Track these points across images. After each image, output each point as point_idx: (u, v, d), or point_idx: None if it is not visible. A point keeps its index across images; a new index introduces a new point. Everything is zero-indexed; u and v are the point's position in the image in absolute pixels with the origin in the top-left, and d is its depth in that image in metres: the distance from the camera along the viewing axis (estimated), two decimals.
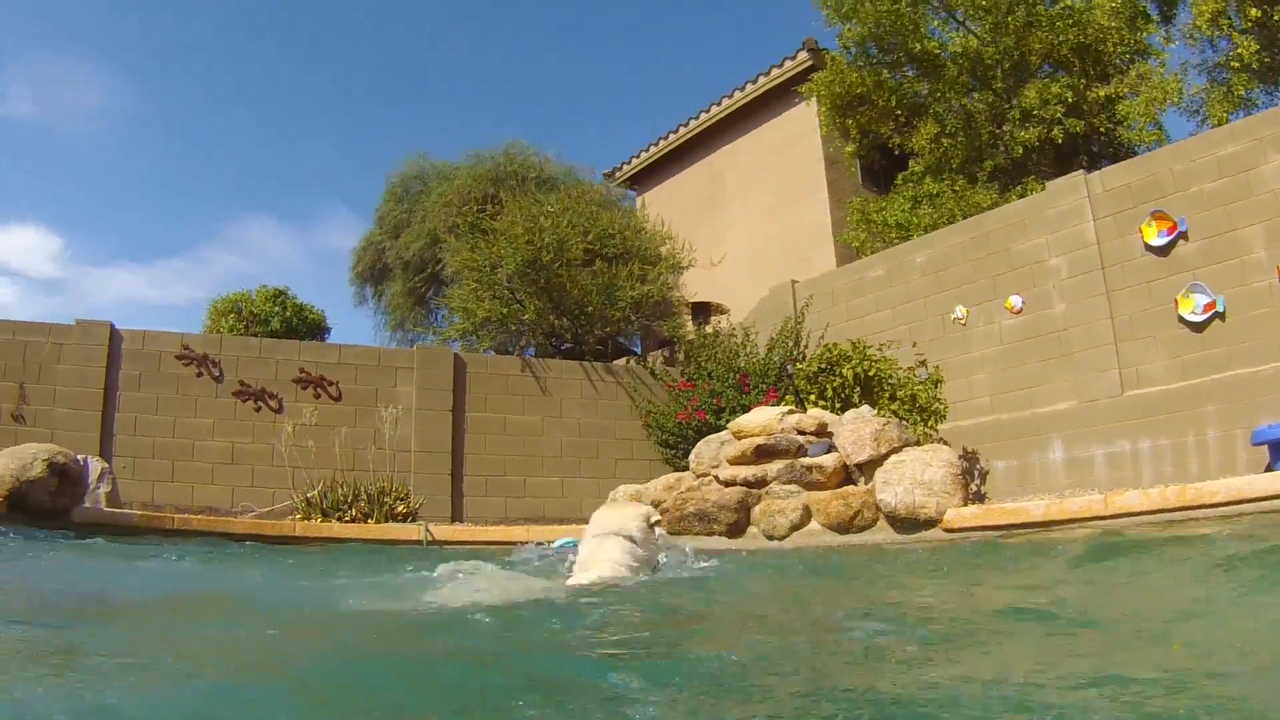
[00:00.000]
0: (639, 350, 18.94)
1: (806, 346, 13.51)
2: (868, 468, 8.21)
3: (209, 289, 64.00)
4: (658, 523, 6.11)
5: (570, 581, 5.56)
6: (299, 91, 49.58)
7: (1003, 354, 12.24)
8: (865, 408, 9.24)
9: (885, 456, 8.17)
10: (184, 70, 46.86)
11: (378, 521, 11.59)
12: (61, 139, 49.01)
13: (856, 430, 8.39)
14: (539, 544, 9.18)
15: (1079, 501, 7.46)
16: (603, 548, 5.73)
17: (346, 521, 11.53)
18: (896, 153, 17.05)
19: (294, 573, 7.62)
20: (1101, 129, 14.97)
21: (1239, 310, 10.06)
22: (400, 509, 12.01)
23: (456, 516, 13.36)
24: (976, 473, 12.05)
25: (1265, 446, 8.66)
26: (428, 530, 10.76)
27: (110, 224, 55.68)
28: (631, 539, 5.76)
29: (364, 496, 11.95)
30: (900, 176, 16.68)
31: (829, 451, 8.35)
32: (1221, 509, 6.43)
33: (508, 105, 48.97)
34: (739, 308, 16.79)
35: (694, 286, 18.83)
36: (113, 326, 12.93)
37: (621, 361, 16.22)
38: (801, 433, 8.64)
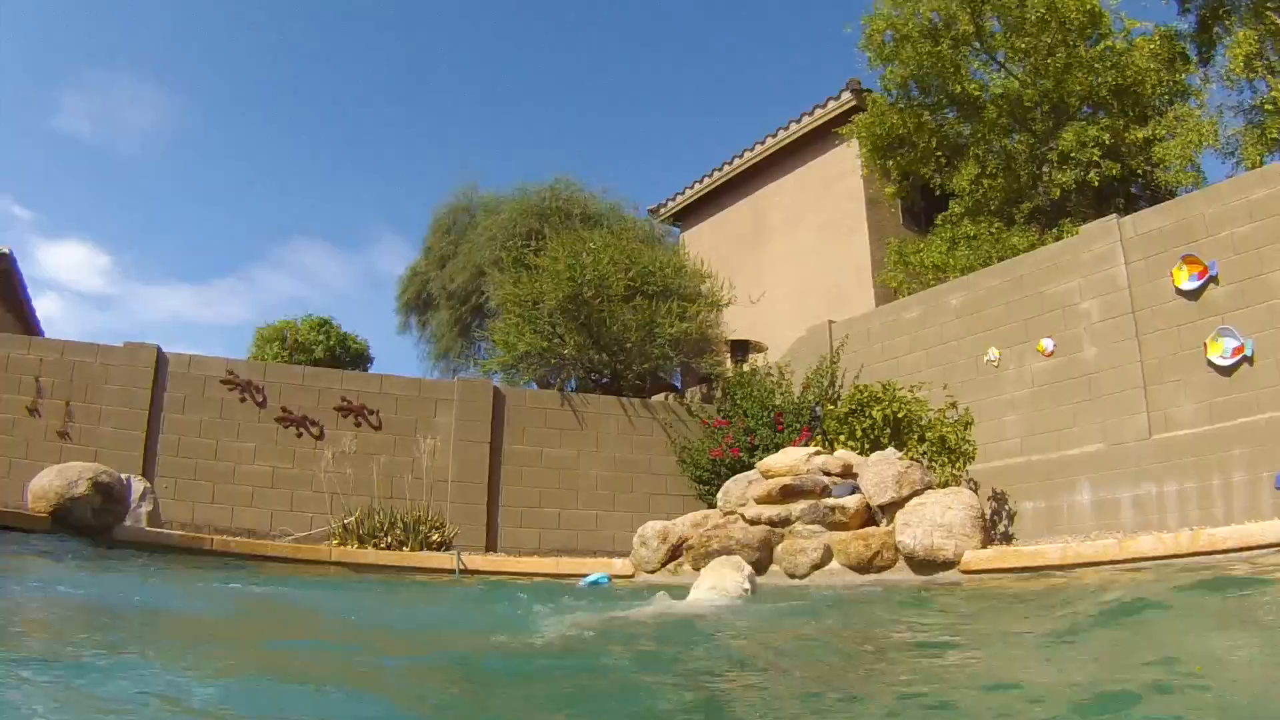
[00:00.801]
0: (679, 386, 19.09)
1: (841, 386, 13.58)
2: (889, 509, 8.32)
3: (257, 310, 64.93)
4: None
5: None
6: (354, 117, 50.43)
7: (1033, 396, 12.23)
8: (891, 450, 9.33)
9: (907, 499, 8.29)
10: (239, 92, 47.98)
11: (413, 549, 11.80)
12: (116, 157, 50.20)
13: (880, 472, 8.51)
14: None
15: (1095, 546, 7.56)
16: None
17: (382, 549, 11.74)
18: (937, 193, 17.09)
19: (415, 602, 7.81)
20: (1139, 171, 14.91)
21: (1268, 354, 9.98)
22: (435, 537, 12.22)
23: (491, 546, 13.55)
24: (1005, 513, 12.04)
25: None
26: (460, 559, 10.95)
27: (161, 243, 56.75)
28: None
29: (400, 524, 12.17)
30: (940, 217, 16.72)
31: (853, 493, 8.48)
32: (1233, 554, 6.50)
33: (557, 140, 49.45)
34: (780, 345, 16.89)
35: (735, 324, 18.95)
36: (159, 349, 13.35)
37: (660, 397, 16.38)
38: (827, 474, 8.78)
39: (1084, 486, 11.37)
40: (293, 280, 57.66)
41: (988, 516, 11.99)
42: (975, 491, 12.15)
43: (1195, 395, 10.61)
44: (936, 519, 7.89)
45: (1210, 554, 6.72)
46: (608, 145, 49.59)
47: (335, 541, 12.01)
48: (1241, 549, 6.48)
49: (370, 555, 11.22)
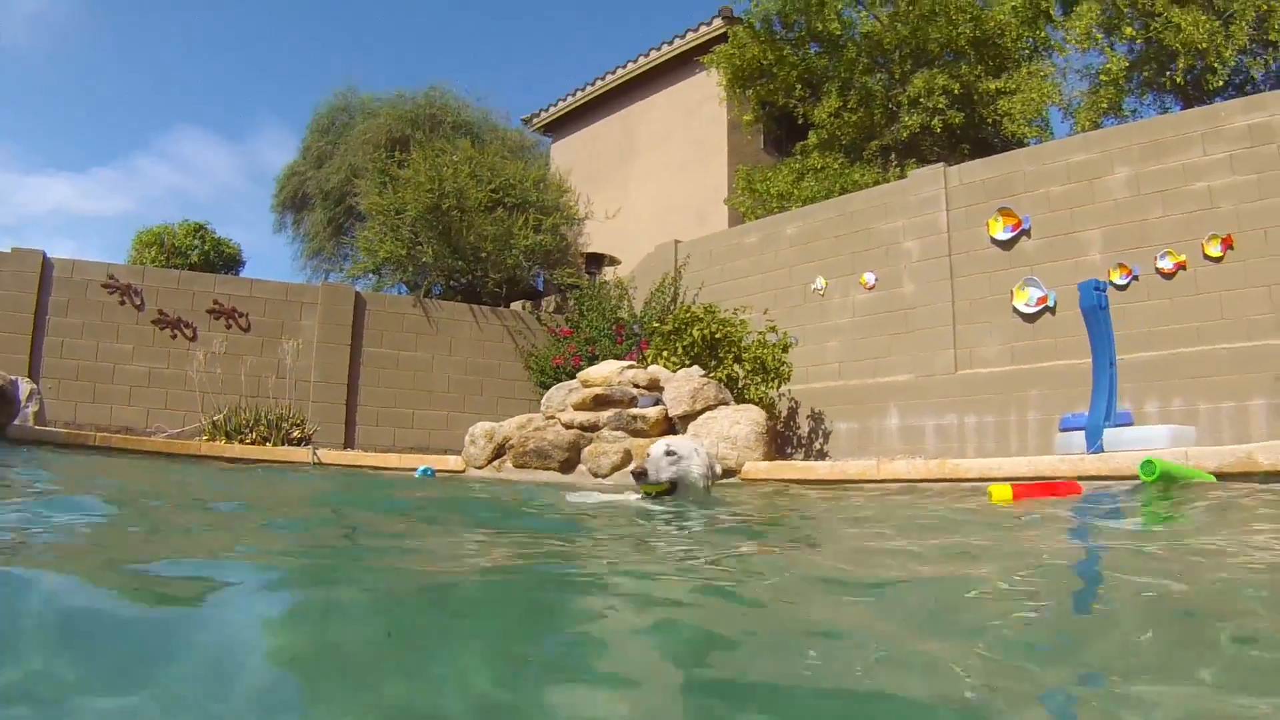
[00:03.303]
0: (542, 294, 19.99)
1: (683, 303, 14.52)
2: (685, 421, 9.46)
3: (138, 203, 63.69)
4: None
5: None
6: (240, 5, 49.45)
7: (854, 325, 13.31)
8: (695, 368, 10.42)
9: (700, 412, 9.43)
10: None
11: (275, 445, 12.69)
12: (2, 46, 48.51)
13: (680, 388, 9.65)
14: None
15: (858, 465, 8.53)
16: None
17: (247, 444, 12.62)
18: (800, 122, 17.88)
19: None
20: (989, 120, 15.77)
21: (1069, 306, 10.87)
22: (296, 434, 13.10)
23: (349, 443, 14.56)
24: (821, 432, 13.24)
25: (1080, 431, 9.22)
26: (315, 454, 11.91)
27: (42, 131, 55.32)
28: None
29: (264, 421, 13.03)
30: (798, 147, 17.61)
31: (656, 405, 9.58)
32: (975, 483, 7.14)
33: (439, 43, 49.43)
34: (639, 260, 17.69)
35: (600, 238, 19.78)
36: (44, 255, 13.93)
37: (518, 305, 17.32)
38: (637, 386, 9.87)
39: (893, 412, 12.58)
40: (175, 173, 56.86)
41: (805, 433, 13.34)
42: (796, 409, 13.49)
43: (1000, 337, 11.80)
44: (724, 431, 9.03)
45: (954, 480, 7.46)
46: (490, 51, 49.75)
47: (206, 437, 12.80)
48: (980, 479, 7.18)
49: (236, 450, 12.02)
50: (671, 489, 5.17)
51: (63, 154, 56.02)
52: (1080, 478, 6.45)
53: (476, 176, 16.83)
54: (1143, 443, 7.65)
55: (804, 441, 13.43)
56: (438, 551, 3.32)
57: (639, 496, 5.25)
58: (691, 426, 9.27)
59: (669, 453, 5.18)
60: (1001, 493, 4.75)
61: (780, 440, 13.45)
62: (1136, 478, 5.55)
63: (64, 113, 53.36)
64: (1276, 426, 9.31)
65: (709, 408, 9.51)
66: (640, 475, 5.01)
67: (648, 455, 5.26)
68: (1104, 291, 8.47)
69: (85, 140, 54.19)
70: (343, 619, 1.89)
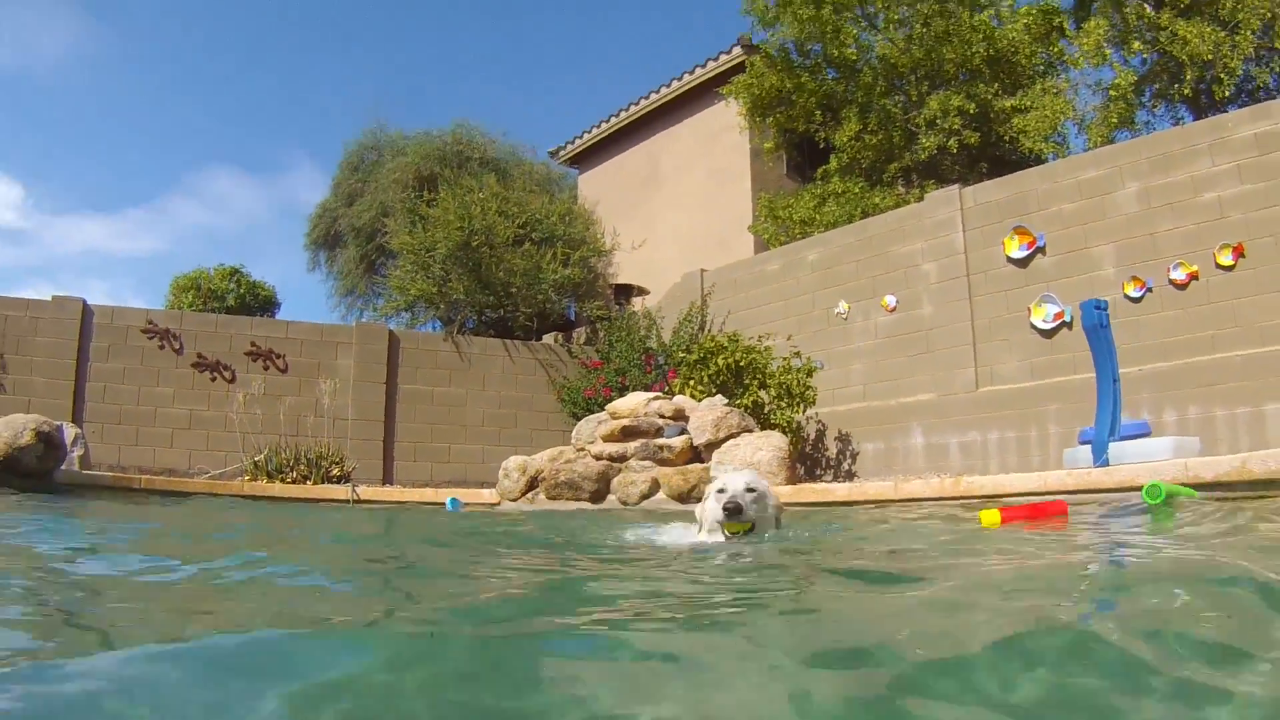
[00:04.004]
0: (575, 326, 20.27)
1: (710, 331, 14.80)
2: (709, 449, 9.73)
3: (171, 242, 64.55)
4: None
5: None
6: (270, 44, 50.33)
7: (877, 347, 13.52)
8: (719, 397, 10.70)
9: (724, 440, 9.68)
10: (151, 16, 47.38)
11: (315, 483, 13.03)
12: (26, 85, 49.54)
13: (703, 416, 9.92)
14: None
15: (876, 486, 8.75)
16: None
17: (288, 483, 12.96)
18: (822, 146, 18.08)
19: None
20: (1007, 138, 15.82)
21: None
22: (335, 472, 13.44)
23: (387, 479, 14.91)
24: (849, 453, 13.45)
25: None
26: (354, 491, 12.24)
27: (73, 172, 56.29)
28: None
29: (304, 460, 13.39)
30: (820, 172, 17.75)
31: (681, 434, 9.86)
32: (988, 500, 7.26)
33: (468, 79, 50.01)
34: (667, 289, 17.90)
35: (628, 268, 20.05)
36: (85, 302, 14.40)
37: (550, 338, 17.65)
38: (662, 416, 10.15)
39: (917, 431, 12.76)
40: (207, 211, 57.68)
41: (834, 455, 13.53)
42: (824, 431, 13.68)
43: (1019, 354, 11.97)
44: (747, 458, 9.27)
45: (969, 498, 7.59)
46: (518, 83, 50.25)
47: (248, 477, 13.15)
48: (995, 495, 7.38)
49: (277, 489, 12.37)
50: (751, 527, 4.79)
51: (94, 195, 56.85)
52: (1088, 491, 6.63)
53: (503, 212, 17.20)
54: (1146, 455, 7.77)
55: (833, 463, 13.63)
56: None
57: (725, 537, 4.73)
58: (716, 454, 9.53)
59: (750, 489, 4.78)
60: (990, 517, 4.87)
61: (809, 462, 13.69)
62: (1141, 489, 5.68)
63: (95, 152, 54.29)
64: None
65: (732, 435, 9.77)
66: (735, 512, 4.57)
67: (721, 490, 4.78)
68: (1105, 310, 8.64)
69: (117, 181, 55.06)
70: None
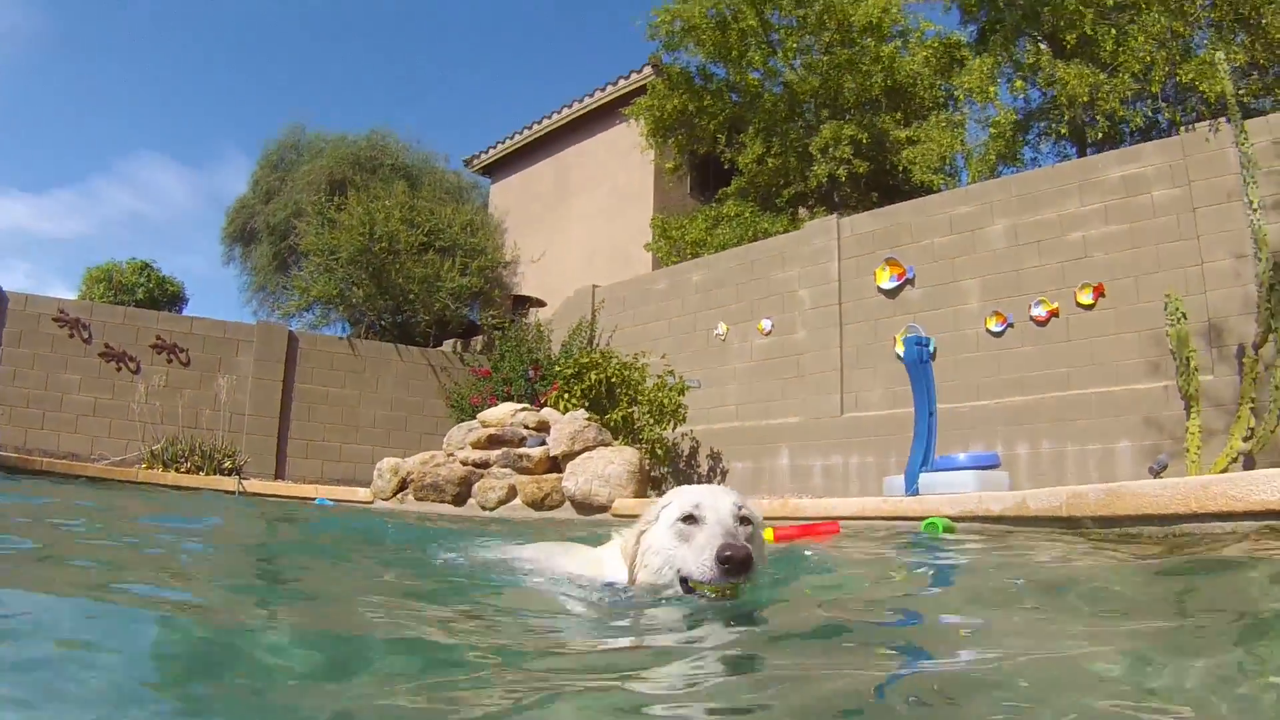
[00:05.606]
0: (479, 334, 20.84)
1: (597, 346, 15.29)
2: (565, 460, 10.44)
3: (96, 225, 63.98)
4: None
5: None
6: (203, 35, 50.27)
7: (751, 370, 14.02)
8: (581, 411, 11.36)
9: (579, 452, 10.39)
10: None
11: (208, 474, 13.61)
12: None
13: (562, 429, 10.65)
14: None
15: None
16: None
17: (182, 473, 13.52)
18: (726, 167, 18.48)
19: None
20: (900, 168, 16.05)
21: (949, 353, 11.63)
22: (227, 464, 14.04)
23: (280, 475, 15.50)
24: (719, 470, 13.96)
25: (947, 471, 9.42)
26: (240, 483, 12.81)
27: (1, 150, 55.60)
28: None
29: (199, 452, 13.97)
30: (721, 192, 18.29)
31: (541, 445, 10.59)
32: (811, 520, 7.33)
33: (386, 84, 50.51)
34: (561, 303, 18.39)
35: (532, 279, 20.68)
36: (0, 288, 14.86)
37: (448, 345, 18.32)
38: (527, 427, 10.87)
39: (785, 452, 13.22)
40: (134, 197, 57.33)
41: (705, 472, 14.10)
42: (697, 449, 14.27)
43: (883, 383, 12.44)
44: (599, 470, 9.95)
45: (797, 519, 7.69)
46: (437, 90, 50.67)
47: (145, 466, 13.67)
48: (815, 517, 7.52)
49: (170, 477, 12.89)
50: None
51: (21, 174, 56.22)
52: (897, 518, 7.29)
53: (409, 220, 17.87)
54: (952, 486, 8.53)
55: (704, 479, 14.00)
56: None
57: (705, 597, 2.77)
58: (570, 465, 10.23)
59: (745, 519, 2.98)
60: (768, 535, 5.30)
61: (682, 479, 14.05)
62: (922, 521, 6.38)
63: (24, 132, 53.74)
64: (1140, 468, 9.83)
65: (588, 448, 10.48)
66: (742, 568, 2.65)
67: (690, 517, 2.93)
68: (926, 346, 9.44)
69: (45, 161, 54.51)
70: None
